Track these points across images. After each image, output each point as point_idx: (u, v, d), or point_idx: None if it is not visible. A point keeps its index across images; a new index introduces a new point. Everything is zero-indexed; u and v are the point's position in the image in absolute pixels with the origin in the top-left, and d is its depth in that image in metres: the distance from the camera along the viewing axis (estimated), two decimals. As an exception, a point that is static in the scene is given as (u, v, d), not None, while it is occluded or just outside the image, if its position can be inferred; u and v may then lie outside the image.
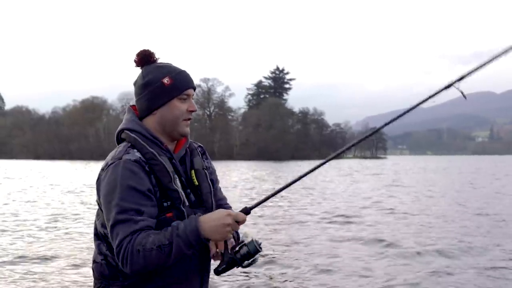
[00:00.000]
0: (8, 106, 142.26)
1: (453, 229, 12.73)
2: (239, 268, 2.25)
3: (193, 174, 2.34)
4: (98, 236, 2.28)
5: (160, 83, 2.27)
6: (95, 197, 2.33)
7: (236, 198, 19.85)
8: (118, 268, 2.19)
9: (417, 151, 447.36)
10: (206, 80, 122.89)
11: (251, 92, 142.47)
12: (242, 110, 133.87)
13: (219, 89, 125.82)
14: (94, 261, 2.31)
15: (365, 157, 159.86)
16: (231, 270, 2.25)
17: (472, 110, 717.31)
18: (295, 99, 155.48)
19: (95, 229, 2.30)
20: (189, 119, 2.33)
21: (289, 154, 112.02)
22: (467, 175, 42.92)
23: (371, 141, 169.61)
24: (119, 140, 2.33)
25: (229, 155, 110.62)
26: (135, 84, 2.35)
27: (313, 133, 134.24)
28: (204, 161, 2.44)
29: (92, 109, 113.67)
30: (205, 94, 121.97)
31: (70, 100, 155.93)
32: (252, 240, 2.20)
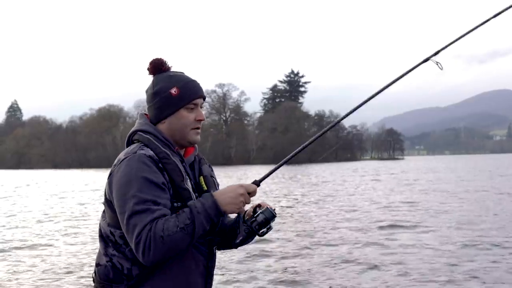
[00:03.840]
0: (26, 116, 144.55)
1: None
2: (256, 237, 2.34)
3: (202, 180, 2.40)
4: (103, 238, 2.30)
5: (168, 94, 2.34)
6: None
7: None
8: (123, 271, 2.22)
9: (435, 151, 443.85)
10: (221, 86, 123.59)
11: (266, 96, 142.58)
12: (258, 115, 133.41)
13: (234, 94, 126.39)
14: (98, 264, 2.32)
15: (382, 158, 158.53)
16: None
17: (489, 109, 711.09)
18: (310, 102, 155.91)
19: (100, 230, 2.32)
20: (198, 127, 2.39)
21: (306, 157, 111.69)
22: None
23: (388, 142, 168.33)
24: (130, 142, 2.37)
25: (246, 160, 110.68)
26: (146, 92, 2.44)
27: (330, 135, 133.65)
28: (212, 171, 2.51)
29: (108, 117, 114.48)
30: (220, 100, 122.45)
31: (87, 109, 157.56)
32: (267, 207, 2.32)
